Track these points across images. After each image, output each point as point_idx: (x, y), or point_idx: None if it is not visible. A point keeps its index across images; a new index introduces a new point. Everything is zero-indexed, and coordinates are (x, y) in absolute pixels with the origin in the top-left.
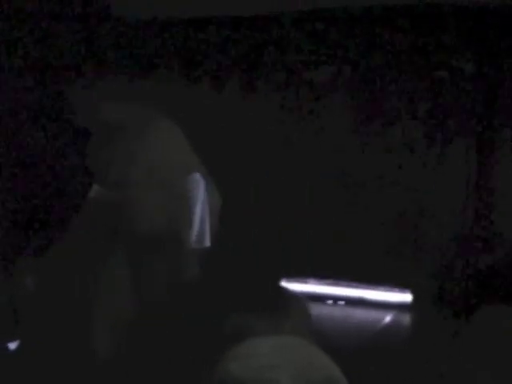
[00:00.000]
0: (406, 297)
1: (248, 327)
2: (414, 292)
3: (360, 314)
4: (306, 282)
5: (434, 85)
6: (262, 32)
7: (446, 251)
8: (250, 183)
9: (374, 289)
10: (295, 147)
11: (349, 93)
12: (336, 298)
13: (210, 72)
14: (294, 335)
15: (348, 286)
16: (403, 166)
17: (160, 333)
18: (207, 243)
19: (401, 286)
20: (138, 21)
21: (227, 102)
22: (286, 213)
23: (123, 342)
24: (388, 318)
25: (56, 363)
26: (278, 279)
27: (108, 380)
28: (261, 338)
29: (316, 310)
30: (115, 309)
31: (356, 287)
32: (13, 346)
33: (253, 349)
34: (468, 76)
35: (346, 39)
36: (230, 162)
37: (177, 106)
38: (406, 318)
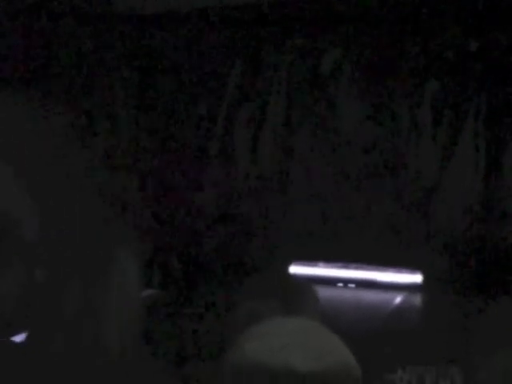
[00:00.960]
0: (417, 277)
1: (260, 312)
2: (424, 273)
3: (371, 296)
4: (316, 266)
5: (440, 64)
6: None
7: (456, 231)
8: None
9: (384, 271)
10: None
11: (357, 73)
12: (346, 281)
13: None
14: (307, 317)
15: (358, 268)
16: (412, 147)
17: None
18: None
19: (411, 267)
20: None
21: None
22: (294, 198)
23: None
24: (399, 299)
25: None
26: (289, 265)
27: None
28: (275, 320)
29: (327, 293)
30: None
31: (366, 269)
32: (18, 339)
33: (267, 330)
34: (473, 54)
35: (351, 19)
36: None
37: None
38: (417, 299)
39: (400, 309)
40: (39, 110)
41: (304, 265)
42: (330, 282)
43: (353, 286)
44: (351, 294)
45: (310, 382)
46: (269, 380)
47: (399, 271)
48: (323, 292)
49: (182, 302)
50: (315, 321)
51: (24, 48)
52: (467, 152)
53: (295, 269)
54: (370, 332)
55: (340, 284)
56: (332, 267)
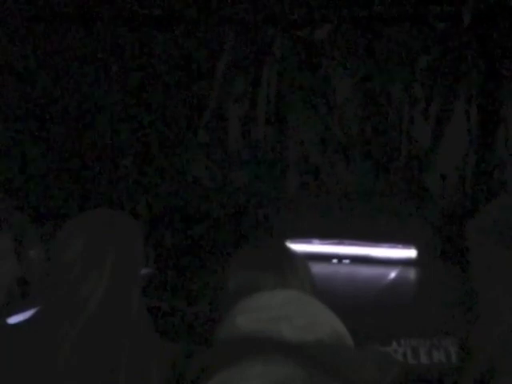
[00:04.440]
0: (411, 252)
1: (254, 284)
2: (418, 247)
3: (366, 271)
4: (310, 243)
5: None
6: None
7: (449, 205)
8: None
9: (378, 246)
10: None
11: (348, 48)
12: (341, 257)
13: None
14: (300, 291)
15: (352, 244)
16: (406, 122)
17: None
18: None
19: (405, 242)
20: None
21: None
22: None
23: None
24: (393, 274)
25: None
26: (284, 238)
27: None
28: (267, 292)
29: (322, 269)
30: None
31: (360, 245)
32: (14, 320)
33: (259, 302)
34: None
35: None
36: None
37: None
38: (412, 274)
39: (395, 283)
40: None
41: (298, 242)
42: (325, 258)
43: (347, 261)
44: (346, 270)
45: (302, 353)
46: (260, 353)
47: (393, 246)
48: (318, 268)
49: (175, 281)
50: (307, 294)
51: None
52: (459, 125)
53: (290, 246)
54: (365, 306)
55: (335, 260)
56: (326, 244)
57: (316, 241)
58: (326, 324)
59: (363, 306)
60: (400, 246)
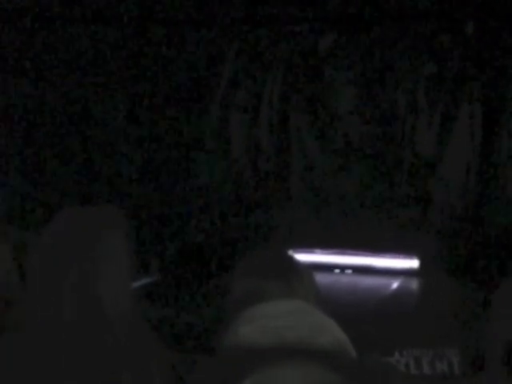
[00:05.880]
0: (413, 263)
1: (259, 292)
2: (420, 257)
3: (368, 281)
4: (313, 253)
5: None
6: None
7: (453, 215)
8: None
9: (380, 256)
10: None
11: (352, 58)
12: (343, 267)
13: None
14: (305, 300)
15: (354, 254)
16: (409, 129)
17: None
18: None
19: (407, 252)
20: None
21: None
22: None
23: None
24: (396, 284)
25: None
26: (289, 249)
27: None
28: (271, 302)
29: (324, 279)
30: None
31: (363, 255)
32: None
33: (263, 312)
34: (470, 37)
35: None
36: None
37: None
38: (414, 284)
39: (397, 293)
40: None
41: (301, 252)
42: (327, 268)
43: (350, 271)
44: (348, 280)
45: (305, 362)
46: (263, 362)
47: (396, 256)
48: (321, 278)
49: (179, 288)
50: (310, 304)
51: None
52: (464, 134)
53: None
54: (367, 316)
55: (337, 270)
56: (329, 253)
57: (318, 251)
58: (329, 334)
59: (365, 315)
60: (402, 256)
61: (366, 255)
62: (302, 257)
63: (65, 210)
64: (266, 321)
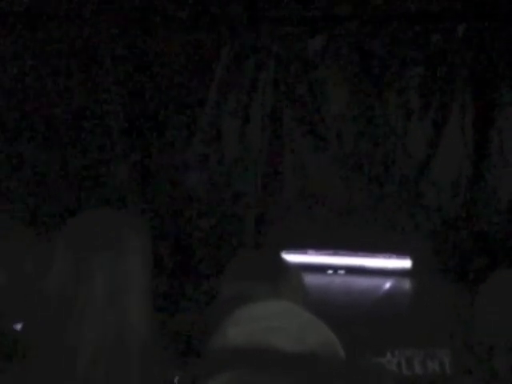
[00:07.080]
0: (406, 263)
1: (247, 292)
2: (413, 258)
3: (361, 281)
4: (305, 254)
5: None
6: None
7: (445, 215)
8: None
9: (373, 256)
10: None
11: (342, 60)
12: (336, 268)
13: None
14: (292, 301)
15: (347, 255)
16: (401, 130)
17: None
18: None
19: (400, 252)
20: None
21: None
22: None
23: None
24: (388, 285)
25: None
26: (279, 250)
27: None
28: (258, 304)
29: (317, 280)
30: None
31: (355, 256)
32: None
33: (251, 313)
34: (461, 38)
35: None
36: None
37: None
38: (406, 284)
39: (389, 293)
40: None
41: (294, 253)
42: (320, 268)
43: (342, 272)
44: (341, 280)
45: (293, 363)
46: (252, 364)
47: (388, 257)
48: (313, 279)
49: (173, 291)
50: (299, 304)
51: None
52: (455, 136)
53: (285, 257)
54: (359, 317)
55: (330, 271)
56: (321, 254)
57: (311, 251)
58: (318, 335)
59: (358, 316)
60: (395, 256)
61: (359, 256)
62: (295, 257)
63: (86, 212)
64: (253, 322)
